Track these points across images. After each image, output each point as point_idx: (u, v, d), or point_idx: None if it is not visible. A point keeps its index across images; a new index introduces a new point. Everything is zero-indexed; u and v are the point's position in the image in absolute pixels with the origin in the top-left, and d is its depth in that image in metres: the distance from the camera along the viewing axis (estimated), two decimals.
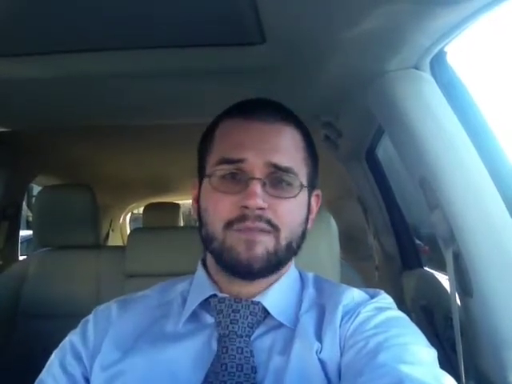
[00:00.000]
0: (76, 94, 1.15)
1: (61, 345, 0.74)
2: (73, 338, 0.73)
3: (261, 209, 0.65)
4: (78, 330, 0.75)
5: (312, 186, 0.75)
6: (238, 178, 0.68)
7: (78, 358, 0.71)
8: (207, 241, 0.70)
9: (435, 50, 0.84)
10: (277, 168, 0.68)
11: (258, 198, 0.65)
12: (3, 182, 1.88)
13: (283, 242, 0.68)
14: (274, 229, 0.67)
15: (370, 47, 0.83)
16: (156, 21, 0.79)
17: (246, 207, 0.65)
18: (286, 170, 0.68)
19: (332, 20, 0.76)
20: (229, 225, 0.66)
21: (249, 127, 0.70)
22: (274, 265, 0.68)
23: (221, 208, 0.67)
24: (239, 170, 0.68)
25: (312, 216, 0.77)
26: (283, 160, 0.68)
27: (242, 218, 0.65)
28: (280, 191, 0.68)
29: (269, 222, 0.66)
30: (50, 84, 1.07)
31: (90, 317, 0.76)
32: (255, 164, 0.67)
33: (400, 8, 0.70)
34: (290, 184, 0.69)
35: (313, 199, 0.77)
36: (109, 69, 0.98)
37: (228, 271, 0.69)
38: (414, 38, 0.78)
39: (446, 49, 0.85)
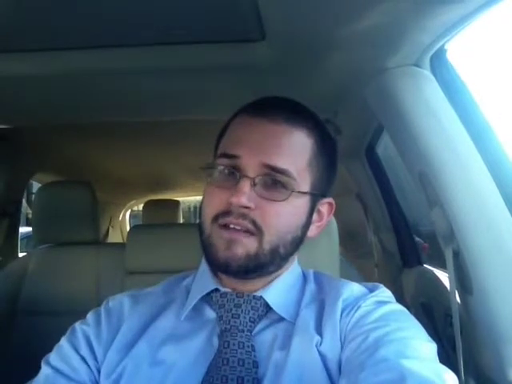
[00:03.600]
0: (75, 90, 1.15)
1: (70, 332, 0.72)
2: (86, 329, 0.72)
3: (247, 208, 0.65)
4: (90, 321, 0.73)
5: (320, 193, 0.73)
6: (234, 175, 0.67)
7: (92, 351, 0.70)
8: (199, 233, 0.71)
9: (435, 47, 0.83)
10: (271, 169, 0.66)
11: (243, 196, 0.64)
12: (3, 179, 1.88)
13: (267, 246, 0.66)
14: (258, 231, 0.66)
15: (370, 44, 0.83)
16: (156, 17, 0.79)
17: (232, 204, 0.65)
18: (282, 172, 0.66)
19: (332, 17, 0.76)
20: (215, 219, 0.67)
21: (254, 125, 0.69)
22: (254, 267, 0.67)
23: (211, 202, 0.68)
24: (235, 167, 0.67)
25: (320, 224, 0.75)
26: (280, 162, 0.66)
27: (227, 213, 0.65)
28: (271, 193, 0.66)
29: (253, 222, 0.65)
30: (49, 81, 1.07)
31: (102, 311, 0.74)
32: (249, 162, 0.66)
33: (400, 5, 0.69)
34: (283, 187, 0.67)
35: (323, 207, 0.75)
36: (108, 66, 0.98)
37: (209, 265, 0.70)
38: (414, 35, 0.78)
39: (446, 46, 0.85)
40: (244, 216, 0.65)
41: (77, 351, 0.69)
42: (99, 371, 0.69)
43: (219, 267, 0.68)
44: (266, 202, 0.66)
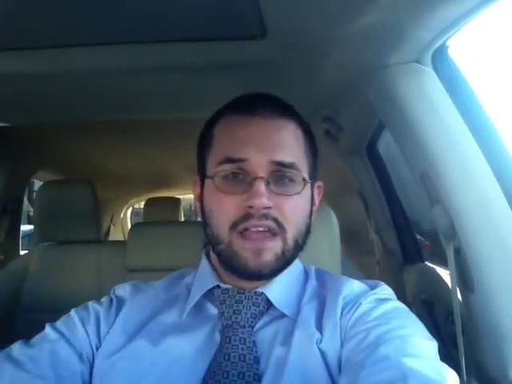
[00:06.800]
0: (76, 88, 1.15)
1: (82, 307, 0.75)
2: (98, 308, 0.74)
3: (266, 208, 0.65)
4: (104, 303, 0.76)
5: (313, 179, 0.75)
6: (240, 178, 0.67)
7: (98, 329, 0.72)
8: (213, 242, 0.70)
9: (437, 44, 0.83)
10: (280, 165, 0.68)
11: (264, 197, 0.64)
12: (4, 177, 1.88)
13: (291, 243, 0.68)
14: (281, 229, 0.67)
15: (371, 41, 0.82)
16: (156, 15, 0.79)
17: (251, 207, 0.65)
18: (290, 167, 0.68)
19: (333, 14, 0.75)
20: (234, 226, 0.66)
21: (250, 124, 0.70)
22: (283, 265, 0.69)
23: (225, 209, 0.67)
24: (242, 170, 0.67)
25: (315, 208, 0.77)
26: (286, 156, 0.68)
27: (247, 217, 0.65)
28: (284, 188, 0.68)
29: (275, 220, 0.66)
30: (50, 79, 1.07)
31: (113, 297, 0.77)
32: (258, 163, 0.67)
33: (401, 2, 0.69)
34: (292, 180, 0.69)
35: (315, 191, 0.77)
36: (108, 63, 0.98)
37: (236, 275, 0.69)
38: (415, 31, 0.78)
39: (447, 43, 0.84)
40: (266, 216, 0.66)
41: (83, 324, 0.71)
42: (96, 351, 0.70)
43: (251, 276, 0.68)
44: (281, 197, 0.67)
